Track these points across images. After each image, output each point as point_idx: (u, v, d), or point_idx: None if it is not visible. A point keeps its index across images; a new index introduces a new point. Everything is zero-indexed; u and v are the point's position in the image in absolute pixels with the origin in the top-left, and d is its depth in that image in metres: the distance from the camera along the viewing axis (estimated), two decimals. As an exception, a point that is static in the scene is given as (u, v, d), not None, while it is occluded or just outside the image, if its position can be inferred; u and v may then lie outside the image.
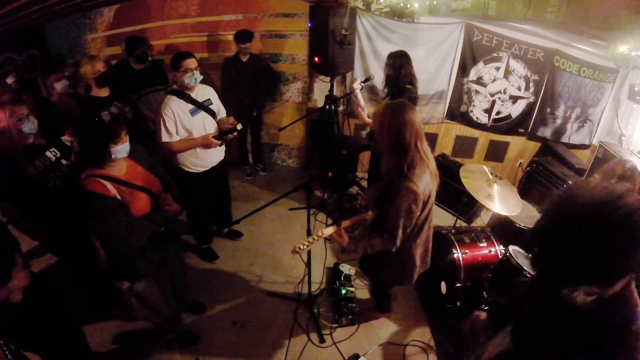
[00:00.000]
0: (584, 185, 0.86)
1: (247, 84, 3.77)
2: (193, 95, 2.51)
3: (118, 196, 1.72)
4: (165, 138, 2.43)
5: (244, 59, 3.70)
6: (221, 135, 2.66)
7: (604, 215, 0.78)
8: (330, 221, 3.71)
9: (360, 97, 3.01)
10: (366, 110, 3.00)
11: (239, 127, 2.62)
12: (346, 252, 1.96)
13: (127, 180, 1.79)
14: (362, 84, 3.12)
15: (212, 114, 2.64)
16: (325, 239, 3.44)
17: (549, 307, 1.06)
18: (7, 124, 1.91)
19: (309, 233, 2.40)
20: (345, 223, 2.01)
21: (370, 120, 3.01)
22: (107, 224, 1.68)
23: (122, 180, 1.77)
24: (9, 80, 3.20)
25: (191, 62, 2.40)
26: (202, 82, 2.57)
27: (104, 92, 2.76)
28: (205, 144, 2.55)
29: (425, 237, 2.02)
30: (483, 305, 2.38)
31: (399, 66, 2.89)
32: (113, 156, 1.71)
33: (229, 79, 3.71)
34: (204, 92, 2.61)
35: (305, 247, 1.88)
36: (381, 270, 2.19)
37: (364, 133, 3.29)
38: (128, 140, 1.77)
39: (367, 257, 2.32)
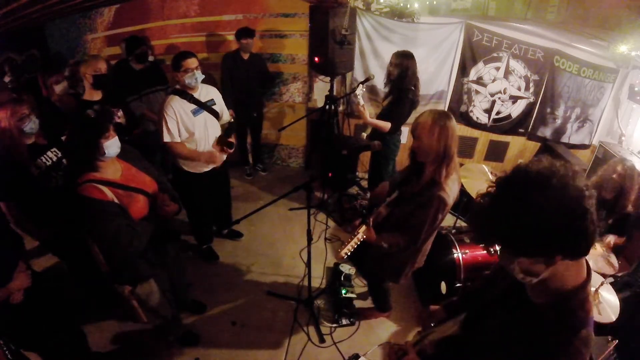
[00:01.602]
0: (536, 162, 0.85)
1: (245, 83, 3.76)
2: (196, 95, 2.51)
3: (116, 200, 1.70)
4: (166, 138, 2.43)
5: (245, 56, 3.70)
6: (221, 143, 2.66)
7: (548, 188, 0.78)
8: (329, 220, 3.71)
9: (361, 99, 3.01)
10: (367, 110, 2.98)
11: (231, 119, 2.73)
12: (376, 248, 2.00)
13: (123, 182, 1.77)
14: (363, 89, 3.10)
15: (215, 114, 2.64)
16: (326, 239, 3.46)
17: (506, 297, 1.06)
18: (9, 124, 1.91)
19: (309, 233, 2.41)
20: (371, 219, 2.04)
21: (373, 121, 3.00)
22: (107, 228, 1.66)
23: (118, 183, 1.75)
24: (5, 80, 3.19)
25: (191, 62, 2.39)
26: (205, 82, 2.57)
27: (97, 96, 2.73)
28: (210, 160, 2.58)
29: (430, 240, 2.06)
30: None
31: (406, 67, 2.84)
32: (105, 152, 1.69)
33: (227, 74, 3.69)
34: (208, 92, 2.60)
35: (350, 251, 1.94)
36: (378, 265, 2.20)
37: (364, 135, 3.29)
38: (117, 137, 1.76)
39: (364, 250, 2.33)
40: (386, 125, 2.94)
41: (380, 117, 3.06)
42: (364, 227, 1.96)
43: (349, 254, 1.92)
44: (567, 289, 0.89)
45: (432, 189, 1.74)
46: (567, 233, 0.78)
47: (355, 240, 1.94)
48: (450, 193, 1.74)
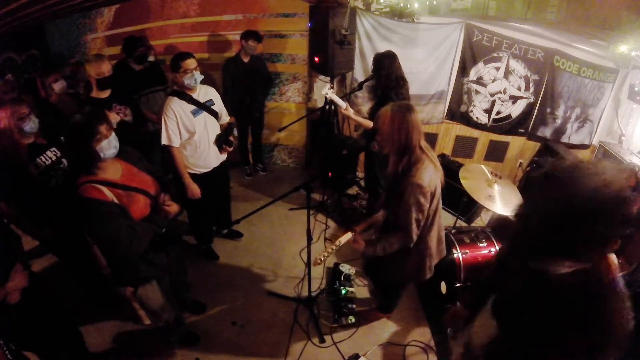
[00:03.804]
0: (576, 169, 0.88)
1: (247, 85, 3.77)
2: (195, 95, 2.51)
3: (116, 200, 1.68)
4: (164, 141, 2.44)
5: (246, 59, 3.70)
6: (220, 141, 2.66)
7: (596, 199, 0.82)
8: (329, 220, 3.71)
9: (338, 100, 3.01)
10: (350, 109, 2.98)
11: (232, 120, 2.76)
12: (366, 257, 2.01)
13: (123, 183, 1.75)
14: (332, 88, 3.12)
15: (215, 114, 2.64)
16: (326, 239, 3.45)
17: (530, 285, 1.08)
18: (8, 123, 1.91)
19: (309, 233, 2.41)
20: (359, 228, 2.04)
21: (357, 118, 2.99)
22: (107, 230, 1.64)
23: (118, 184, 1.72)
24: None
25: (190, 63, 2.39)
26: (203, 82, 2.57)
27: (105, 94, 2.72)
28: (191, 190, 2.60)
29: (437, 227, 2.05)
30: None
31: (379, 67, 2.85)
32: (102, 154, 1.65)
33: (230, 79, 3.70)
34: (206, 93, 2.61)
35: (325, 257, 1.97)
36: (398, 269, 2.18)
37: (355, 134, 3.29)
38: (113, 135, 1.69)
39: (378, 260, 2.32)
40: (368, 122, 2.94)
41: (369, 117, 3.06)
42: (348, 234, 1.98)
43: (323, 259, 1.95)
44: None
45: (404, 179, 1.79)
46: (619, 222, 0.82)
47: (332, 246, 1.97)
48: (424, 177, 1.76)
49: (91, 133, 1.61)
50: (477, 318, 1.36)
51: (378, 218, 2.14)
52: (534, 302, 1.05)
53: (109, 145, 1.66)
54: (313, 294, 2.76)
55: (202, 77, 2.49)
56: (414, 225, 1.83)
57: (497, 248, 2.63)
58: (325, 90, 3.03)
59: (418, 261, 2.09)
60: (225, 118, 2.78)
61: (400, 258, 2.09)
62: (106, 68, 2.63)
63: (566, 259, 0.88)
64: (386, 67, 2.84)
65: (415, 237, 1.88)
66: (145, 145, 3.10)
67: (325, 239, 3.46)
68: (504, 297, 1.20)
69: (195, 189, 2.62)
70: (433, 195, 1.85)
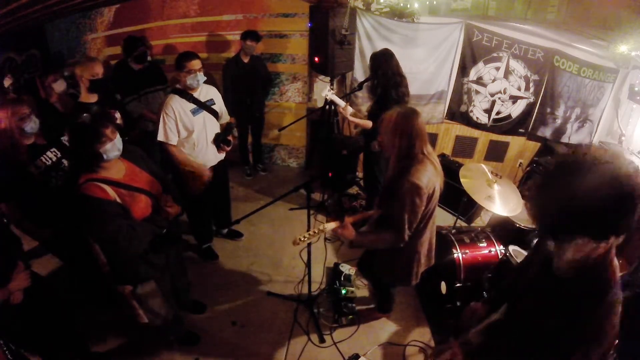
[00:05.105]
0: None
1: (248, 85, 3.77)
2: (196, 95, 2.51)
3: (118, 199, 1.69)
4: (160, 137, 2.45)
5: (246, 59, 3.70)
6: (218, 140, 2.66)
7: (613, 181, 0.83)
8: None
9: (338, 100, 3.00)
10: (349, 108, 2.97)
11: (232, 120, 2.75)
12: (354, 247, 1.97)
13: (126, 182, 1.75)
14: (332, 89, 3.12)
15: (215, 114, 2.64)
16: (326, 239, 3.45)
17: (538, 279, 1.13)
18: (9, 124, 1.91)
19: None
20: (349, 219, 2.01)
21: (355, 119, 2.99)
22: (107, 229, 1.64)
23: (121, 183, 1.73)
24: (7, 83, 3.18)
25: (195, 64, 2.40)
26: (205, 82, 2.58)
27: (93, 98, 2.69)
28: (200, 171, 2.59)
29: (430, 233, 2.04)
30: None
31: (377, 66, 2.85)
32: (105, 157, 1.66)
33: (230, 79, 3.70)
34: (207, 92, 2.61)
35: (305, 239, 1.88)
36: (387, 270, 2.19)
37: (354, 131, 3.28)
38: (117, 137, 1.70)
39: (370, 259, 2.32)
40: (368, 123, 2.94)
41: (368, 116, 3.06)
42: (333, 223, 1.91)
43: (302, 240, 1.85)
44: (592, 259, 0.96)
45: (401, 178, 1.79)
46: (627, 211, 0.83)
47: (314, 229, 1.90)
48: (422, 178, 1.76)
49: (97, 136, 1.63)
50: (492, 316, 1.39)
51: (372, 214, 2.13)
52: (538, 294, 1.09)
53: (112, 148, 1.68)
54: (313, 294, 2.77)
55: (205, 78, 2.49)
56: (407, 225, 1.81)
57: (498, 248, 2.63)
58: (325, 92, 3.02)
59: (405, 265, 2.07)
60: (226, 118, 2.78)
61: (389, 260, 2.10)
62: (100, 70, 2.62)
63: (585, 237, 0.90)
64: (383, 65, 2.83)
65: (407, 237, 1.85)
66: (144, 145, 3.10)
67: (326, 239, 3.46)
68: (515, 294, 1.26)
69: (203, 168, 2.60)
70: (430, 198, 1.83)
